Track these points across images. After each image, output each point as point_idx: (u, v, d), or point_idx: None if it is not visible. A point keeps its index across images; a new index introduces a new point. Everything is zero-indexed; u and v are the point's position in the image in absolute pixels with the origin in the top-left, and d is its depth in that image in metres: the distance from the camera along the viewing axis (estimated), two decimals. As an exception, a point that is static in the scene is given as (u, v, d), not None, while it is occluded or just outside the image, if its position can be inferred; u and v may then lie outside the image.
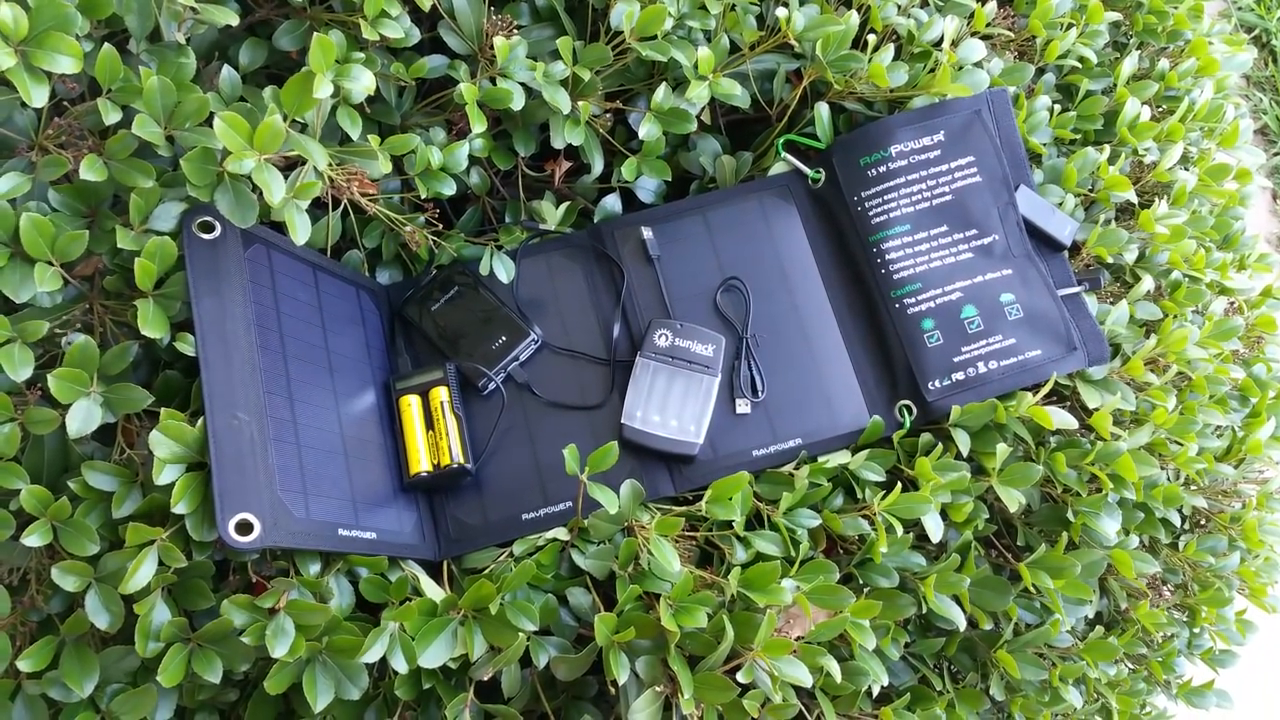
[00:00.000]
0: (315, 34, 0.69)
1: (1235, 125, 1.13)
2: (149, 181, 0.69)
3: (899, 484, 0.82)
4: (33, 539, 0.64)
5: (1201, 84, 1.13)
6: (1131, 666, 1.05)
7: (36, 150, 0.70)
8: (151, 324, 0.69)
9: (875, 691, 0.78)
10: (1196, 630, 1.06)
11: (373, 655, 0.68)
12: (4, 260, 0.66)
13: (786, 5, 0.90)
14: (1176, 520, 0.95)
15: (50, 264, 0.67)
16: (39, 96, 0.62)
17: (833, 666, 0.74)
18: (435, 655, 0.70)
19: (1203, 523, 1.07)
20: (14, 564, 0.69)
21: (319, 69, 0.69)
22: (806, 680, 0.72)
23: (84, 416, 0.66)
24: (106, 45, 0.67)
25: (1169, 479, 0.96)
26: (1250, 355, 1.09)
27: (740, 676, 0.71)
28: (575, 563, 0.80)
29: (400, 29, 0.80)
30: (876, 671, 0.77)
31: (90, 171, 0.67)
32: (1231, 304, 1.13)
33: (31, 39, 0.62)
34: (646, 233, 0.94)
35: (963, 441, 0.86)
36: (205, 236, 0.73)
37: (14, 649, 0.67)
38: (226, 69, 0.75)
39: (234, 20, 0.71)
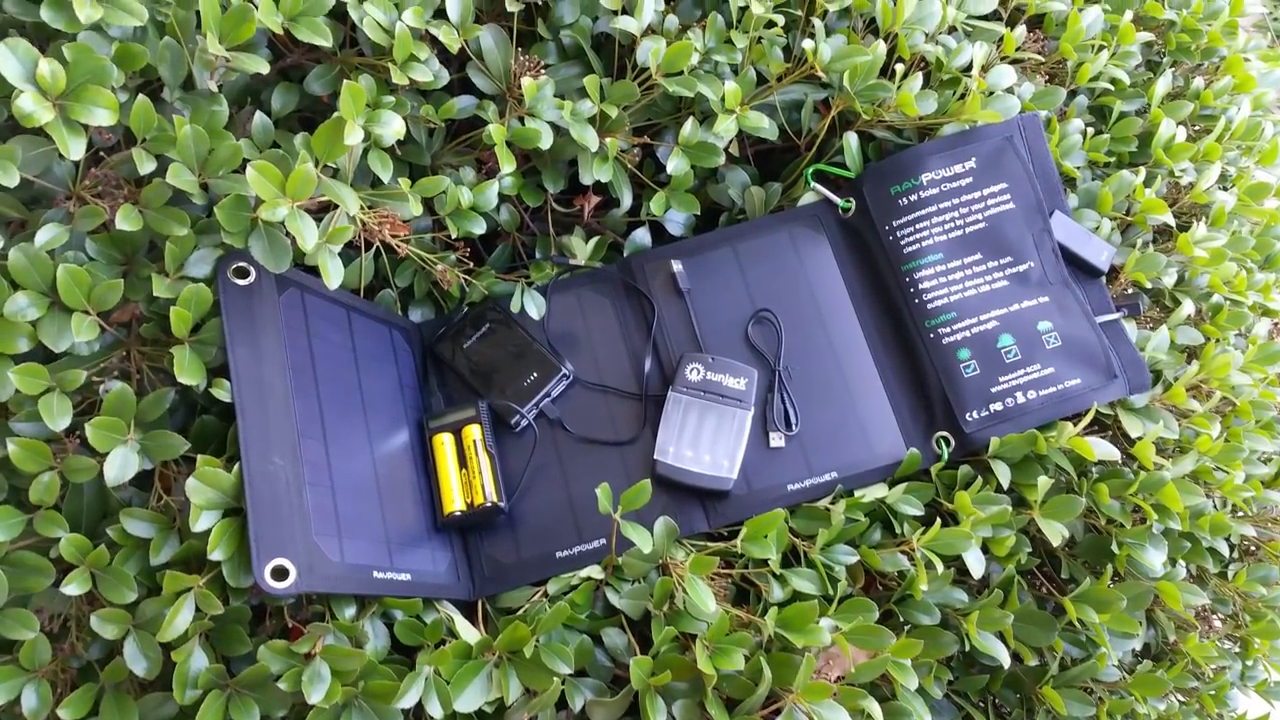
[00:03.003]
0: (345, 81, 0.69)
1: (1274, 142, 1.11)
2: (184, 229, 0.70)
3: (938, 518, 0.81)
4: (72, 587, 0.65)
5: (1238, 101, 1.12)
6: (1182, 699, 1.02)
7: (74, 200, 0.71)
8: (188, 371, 0.69)
9: (918, 732, 0.77)
10: (1250, 662, 1.02)
11: (409, 700, 0.67)
12: (43, 310, 0.66)
13: (813, 36, 0.90)
14: (1225, 549, 0.93)
15: (87, 313, 0.68)
16: (76, 149, 0.63)
17: (874, 709, 0.72)
18: (471, 699, 0.70)
19: (1253, 550, 1.04)
20: (54, 611, 0.70)
21: (349, 115, 0.70)
22: (848, 723, 0.70)
23: (121, 464, 0.67)
24: (141, 96, 0.68)
25: (1215, 507, 0.94)
26: (1297, 378, 1.07)
27: (780, 720, 0.70)
28: (610, 601, 0.80)
29: (429, 72, 0.81)
30: (919, 712, 0.76)
31: (126, 221, 0.67)
32: (1276, 326, 1.11)
33: (69, 93, 0.63)
34: (676, 266, 0.94)
35: (1003, 474, 0.84)
36: (240, 282, 0.74)
37: (55, 696, 0.67)
38: (259, 115, 0.76)
39: (265, 68, 0.72)
